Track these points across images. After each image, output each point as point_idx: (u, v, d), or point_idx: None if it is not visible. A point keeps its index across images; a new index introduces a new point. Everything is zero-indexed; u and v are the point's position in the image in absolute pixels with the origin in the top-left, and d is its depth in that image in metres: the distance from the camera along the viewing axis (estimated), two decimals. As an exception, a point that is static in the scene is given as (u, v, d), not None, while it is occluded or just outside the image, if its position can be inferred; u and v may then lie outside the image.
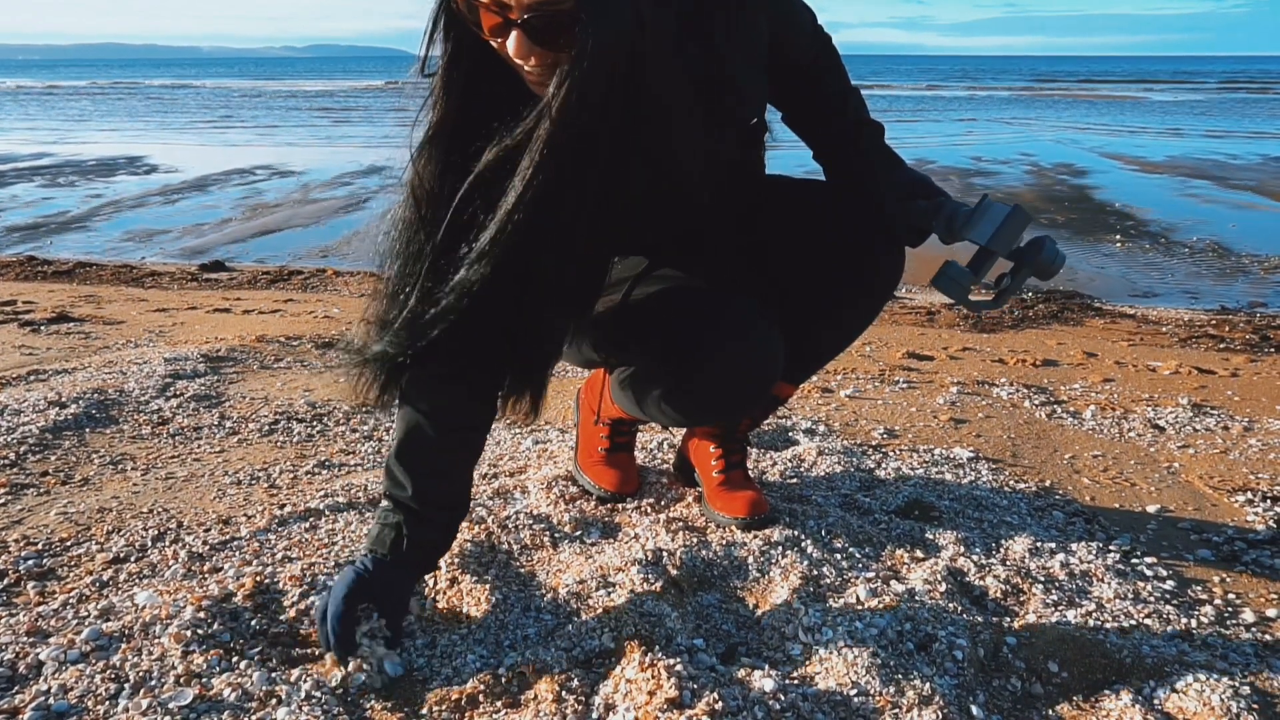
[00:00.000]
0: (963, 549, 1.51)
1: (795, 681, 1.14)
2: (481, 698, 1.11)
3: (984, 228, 1.30)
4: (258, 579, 1.34)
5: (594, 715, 1.08)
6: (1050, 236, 1.34)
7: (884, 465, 1.93)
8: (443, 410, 1.22)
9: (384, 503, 1.25)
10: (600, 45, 1.00)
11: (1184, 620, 1.32)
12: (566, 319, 1.28)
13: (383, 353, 1.18)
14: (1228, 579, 1.48)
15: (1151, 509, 1.76)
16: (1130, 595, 1.38)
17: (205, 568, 1.42)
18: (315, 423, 2.16)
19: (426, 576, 1.37)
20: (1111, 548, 1.55)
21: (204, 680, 1.11)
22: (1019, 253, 1.34)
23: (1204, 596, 1.42)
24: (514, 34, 1.03)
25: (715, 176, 1.33)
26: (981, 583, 1.41)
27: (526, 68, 1.07)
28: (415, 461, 1.23)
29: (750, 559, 1.44)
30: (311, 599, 1.31)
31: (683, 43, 1.18)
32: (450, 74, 1.12)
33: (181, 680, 1.11)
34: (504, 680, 1.13)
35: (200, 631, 1.20)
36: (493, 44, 1.08)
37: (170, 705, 1.07)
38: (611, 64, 1.03)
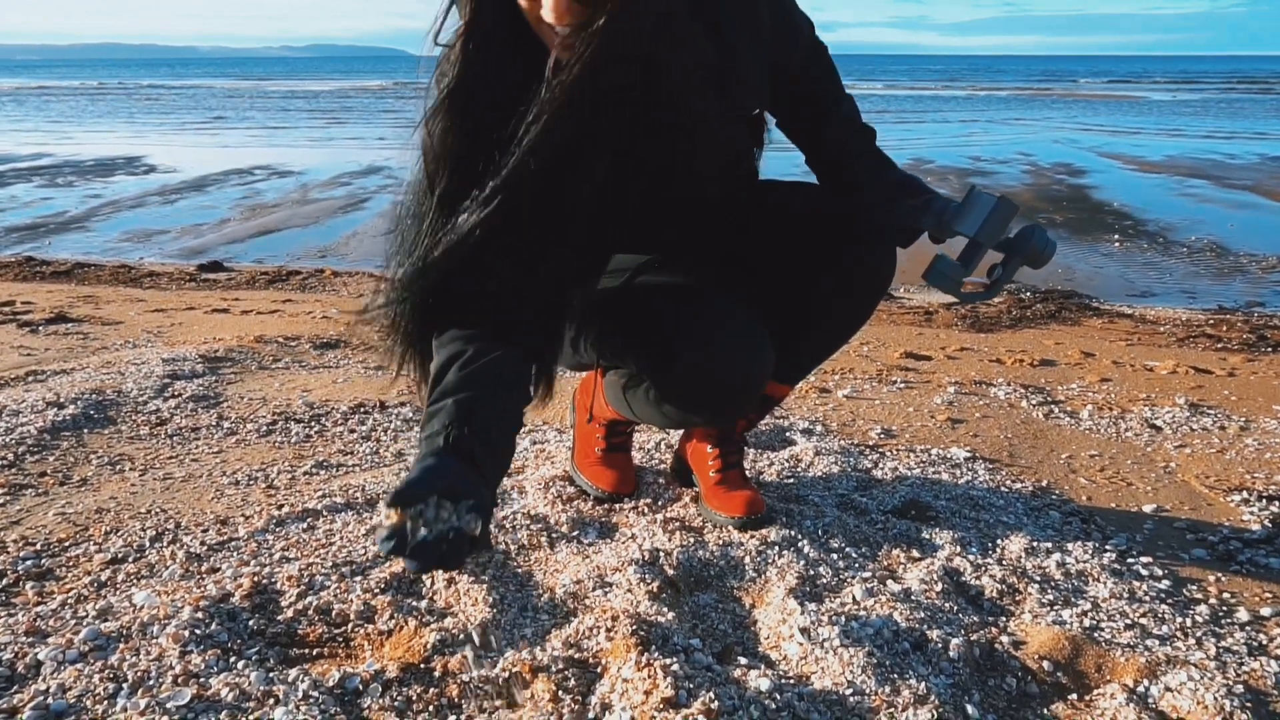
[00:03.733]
0: (959, 549, 1.52)
1: (791, 681, 1.14)
2: (479, 697, 1.11)
3: (971, 219, 1.30)
4: (255, 579, 1.35)
5: (590, 715, 1.08)
6: (1040, 224, 1.35)
7: (881, 465, 1.94)
8: (471, 348, 1.15)
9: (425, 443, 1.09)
10: (637, 5, 1.05)
11: (1179, 619, 1.33)
12: (565, 288, 1.26)
13: (392, 298, 1.20)
14: (1223, 578, 1.48)
15: (1148, 509, 1.76)
16: (1126, 595, 1.39)
17: (203, 568, 1.42)
18: (313, 423, 2.17)
19: (428, 577, 1.37)
20: (1108, 547, 1.56)
21: (202, 680, 1.12)
22: (1008, 243, 1.34)
23: (1199, 596, 1.42)
24: None
25: (725, 166, 1.34)
26: (978, 582, 1.42)
27: (558, 28, 1.08)
28: (455, 385, 1.11)
29: (747, 559, 1.45)
30: (309, 599, 1.31)
31: (694, 27, 1.21)
32: (469, 38, 1.13)
33: (179, 680, 1.12)
34: (501, 680, 1.13)
35: (198, 632, 1.21)
36: (523, 4, 1.10)
37: (168, 705, 1.07)
38: (642, 26, 1.07)
